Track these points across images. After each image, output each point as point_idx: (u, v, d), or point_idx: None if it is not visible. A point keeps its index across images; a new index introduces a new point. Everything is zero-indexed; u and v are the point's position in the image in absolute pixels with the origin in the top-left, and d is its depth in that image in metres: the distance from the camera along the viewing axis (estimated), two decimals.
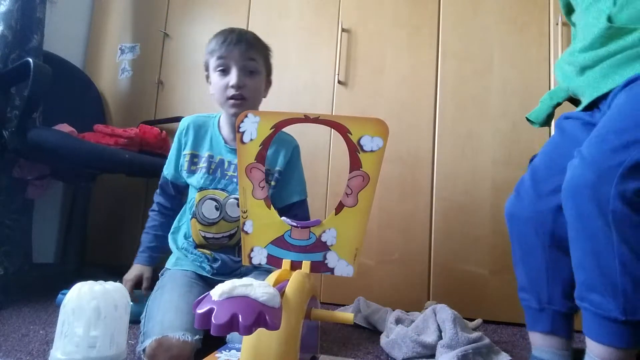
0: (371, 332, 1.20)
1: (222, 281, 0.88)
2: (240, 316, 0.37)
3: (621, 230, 0.60)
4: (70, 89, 1.63)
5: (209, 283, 0.96)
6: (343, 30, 1.61)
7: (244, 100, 0.96)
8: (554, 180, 0.78)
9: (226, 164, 1.00)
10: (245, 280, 0.42)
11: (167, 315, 0.77)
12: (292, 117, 0.59)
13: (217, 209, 0.97)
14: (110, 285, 0.54)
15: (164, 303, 0.82)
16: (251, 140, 0.60)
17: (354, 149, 0.57)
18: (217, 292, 0.40)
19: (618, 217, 0.60)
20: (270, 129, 0.60)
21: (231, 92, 0.94)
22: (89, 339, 0.49)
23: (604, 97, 0.78)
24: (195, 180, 0.99)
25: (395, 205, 1.49)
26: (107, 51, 1.88)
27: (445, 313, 1.09)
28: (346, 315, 0.54)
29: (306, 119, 0.58)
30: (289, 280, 0.50)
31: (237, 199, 0.98)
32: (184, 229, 1.03)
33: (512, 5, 1.50)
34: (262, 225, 0.61)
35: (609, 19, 0.78)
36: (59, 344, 0.50)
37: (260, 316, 0.38)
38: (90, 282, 0.53)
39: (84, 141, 1.32)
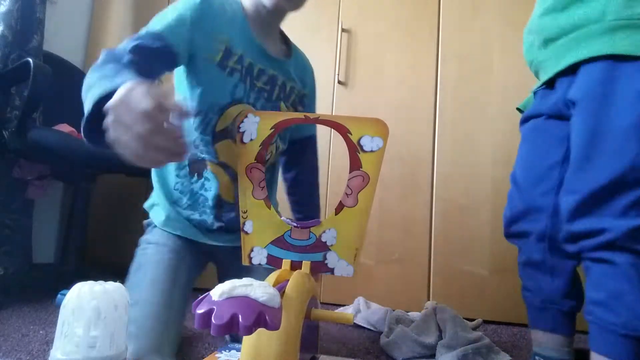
0: (371, 332, 1.20)
1: (221, 247, 0.83)
2: (240, 316, 0.37)
3: None
4: (70, 89, 1.63)
5: (204, 251, 0.84)
6: (343, 30, 1.61)
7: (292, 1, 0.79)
8: (540, 186, 0.79)
9: (256, 71, 0.79)
10: (246, 280, 0.42)
11: (144, 329, 0.66)
12: (292, 117, 0.59)
13: None
14: (110, 285, 0.54)
15: (142, 305, 0.69)
16: (251, 140, 0.60)
17: (354, 149, 0.57)
18: (217, 292, 0.40)
19: None
20: (270, 129, 0.60)
21: None
22: (89, 339, 0.49)
23: (563, 73, 0.74)
24: (231, 85, 0.75)
25: (395, 205, 1.49)
26: None
27: (445, 313, 1.09)
28: (346, 315, 0.54)
29: (306, 119, 0.58)
30: (289, 280, 0.50)
31: None
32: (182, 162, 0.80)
33: (512, 6, 1.50)
34: (262, 226, 0.61)
35: None
36: (59, 344, 0.50)
37: (261, 316, 0.38)
38: (90, 282, 0.53)
39: (84, 141, 1.32)
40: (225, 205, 0.81)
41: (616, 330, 0.61)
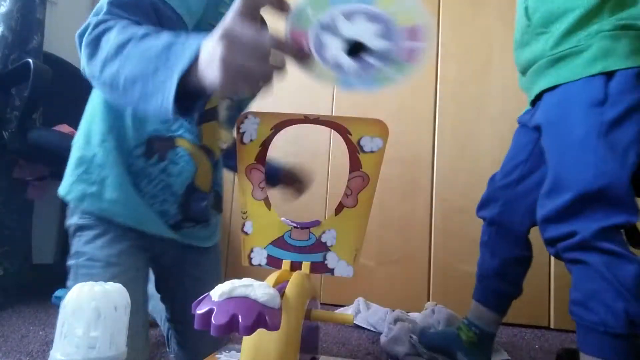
0: (371, 332, 1.20)
1: (172, 248, 0.76)
2: (240, 317, 0.37)
3: None
4: (70, 90, 1.63)
5: (150, 256, 0.72)
6: None
7: None
8: (502, 181, 0.92)
9: None
10: (245, 280, 0.42)
11: None
12: (292, 117, 0.59)
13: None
14: (110, 286, 0.54)
15: None
16: (251, 141, 0.60)
17: (354, 150, 0.57)
18: (217, 292, 0.40)
19: None
20: (270, 129, 0.60)
21: None
22: (88, 340, 0.49)
23: (535, 100, 0.83)
24: None
25: (395, 205, 1.49)
26: None
27: (441, 314, 1.10)
28: (346, 316, 0.54)
29: (306, 119, 0.58)
30: (288, 280, 0.50)
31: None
32: (133, 135, 0.66)
33: (512, 6, 1.50)
34: (261, 226, 0.61)
35: (527, 13, 0.80)
36: (59, 344, 0.50)
37: (260, 317, 0.38)
38: (90, 283, 0.53)
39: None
40: (196, 193, 0.72)
41: (597, 328, 0.64)
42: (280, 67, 0.43)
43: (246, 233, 0.61)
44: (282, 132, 0.61)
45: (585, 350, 0.66)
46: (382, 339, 1.07)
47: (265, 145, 0.60)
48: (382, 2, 0.37)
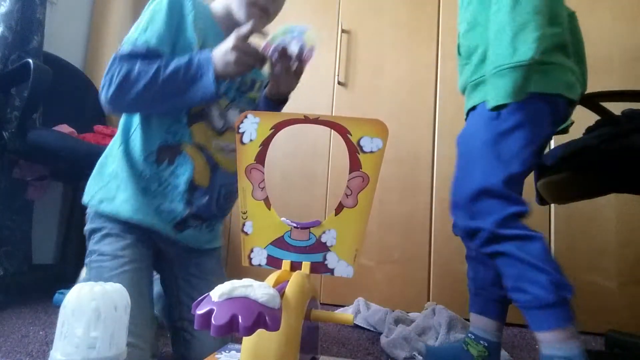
0: (371, 332, 1.20)
1: (177, 251, 0.88)
2: (240, 317, 0.37)
3: None
4: (70, 90, 1.63)
5: (158, 257, 0.84)
6: (343, 31, 1.61)
7: (266, 17, 0.88)
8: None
9: None
10: (245, 281, 0.42)
11: None
12: (292, 117, 0.59)
13: (221, 116, 0.87)
14: (110, 286, 0.54)
15: None
16: (251, 140, 0.60)
17: (354, 150, 0.57)
18: (217, 292, 0.40)
19: None
20: (270, 129, 0.60)
21: (262, 1, 0.85)
22: (88, 340, 0.49)
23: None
24: None
25: (395, 205, 1.49)
26: (107, 51, 1.88)
27: (442, 316, 1.10)
28: (346, 316, 0.54)
29: (306, 119, 0.58)
30: (288, 281, 0.50)
31: (240, 109, 0.90)
32: (144, 148, 0.80)
33: None
34: (262, 226, 0.61)
35: (458, 48, 0.95)
36: (59, 344, 0.50)
37: (260, 317, 0.38)
38: (90, 283, 0.53)
39: (84, 142, 1.32)
40: (197, 189, 0.83)
41: (533, 305, 0.71)
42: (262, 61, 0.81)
43: (246, 233, 0.61)
44: (282, 132, 0.61)
45: (535, 328, 0.72)
46: (382, 339, 1.07)
47: (265, 145, 0.60)
48: (308, 36, 0.77)
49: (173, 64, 0.75)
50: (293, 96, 1.70)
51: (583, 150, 0.87)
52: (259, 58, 0.79)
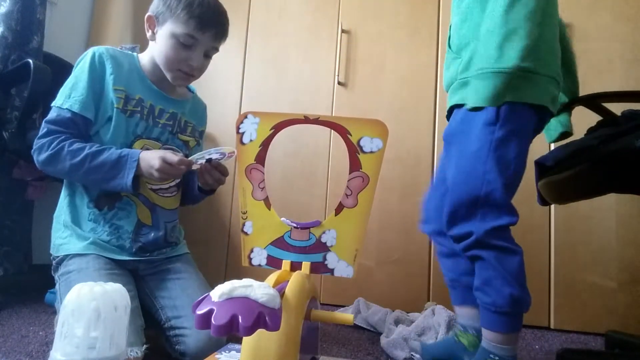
0: (371, 333, 1.20)
1: (143, 263, 0.95)
2: (240, 317, 0.37)
3: None
4: None
5: (128, 268, 0.91)
6: (343, 31, 1.61)
7: (192, 78, 0.96)
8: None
9: (157, 111, 0.96)
10: (245, 281, 0.42)
11: None
12: (292, 118, 0.59)
13: None
14: (110, 286, 0.54)
15: None
16: (251, 141, 0.60)
17: (354, 150, 0.57)
18: (217, 293, 0.40)
19: None
20: (270, 129, 0.60)
21: (186, 68, 0.93)
22: (88, 340, 0.49)
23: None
24: (132, 125, 0.91)
25: (395, 205, 1.49)
26: None
27: (441, 316, 1.10)
28: (346, 316, 0.54)
29: (306, 120, 0.58)
30: (288, 281, 0.50)
31: (171, 149, 0.96)
32: (86, 195, 0.91)
33: None
34: (261, 226, 0.61)
35: (449, 41, 0.94)
36: (59, 345, 0.50)
37: (260, 317, 0.38)
38: (89, 283, 0.53)
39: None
40: (143, 227, 0.94)
41: (490, 308, 0.79)
42: (186, 170, 0.88)
43: (246, 233, 0.61)
44: (282, 132, 0.61)
45: (484, 325, 0.81)
46: (382, 339, 1.07)
47: (265, 145, 0.60)
48: (224, 147, 0.88)
49: (101, 157, 0.84)
50: (293, 96, 1.69)
51: (583, 151, 0.87)
52: (181, 174, 0.91)
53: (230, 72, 1.68)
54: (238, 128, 0.60)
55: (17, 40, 1.36)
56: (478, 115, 0.82)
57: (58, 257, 0.90)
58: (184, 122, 1.02)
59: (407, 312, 1.32)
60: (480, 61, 0.81)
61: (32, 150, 0.87)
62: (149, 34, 0.96)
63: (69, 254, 0.88)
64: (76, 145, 0.85)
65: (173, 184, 0.99)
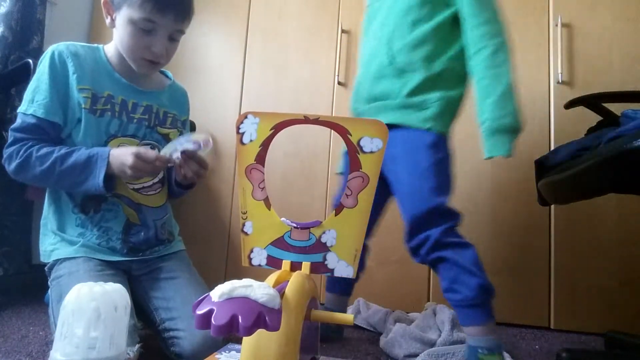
0: (371, 333, 1.20)
1: (136, 263, 0.95)
2: (240, 317, 0.37)
3: None
4: None
5: (120, 268, 0.88)
6: (343, 31, 1.61)
7: (159, 65, 0.90)
8: None
9: (130, 106, 0.90)
10: (245, 281, 0.42)
11: None
12: (292, 118, 0.59)
13: None
14: (110, 286, 0.54)
15: None
16: (251, 141, 0.60)
17: (354, 150, 0.57)
18: (217, 293, 0.40)
19: None
20: (270, 130, 0.60)
21: (149, 56, 0.86)
22: (88, 340, 0.49)
23: None
24: (104, 124, 0.87)
25: (395, 205, 1.49)
26: None
27: (444, 314, 1.09)
28: (346, 316, 0.54)
29: (306, 120, 0.58)
30: (288, 281, 0.50)
31: (150, 144, 0.92)
32: (70, 200, 0.88)
33: (512, 7, 1.50)
34: (261, 226, 0.61)
35: (389, 53, 0.97)
36: (59, 345, 0.50)
37: (260, 317, 0.38)
38: (89, 283, 0.53)
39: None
40: (133, 227, 0.92)
41: (463, 304, 0.85)
42: (161, 168, 0.89)
43: (246, 233, 0.61)
44: (282, 132, 0.61)
45: (463, 323, 0.87)
46: (382, 339, 1.06)
47: (265, 145, 0.60)
48: (195, 136, 0.86)
49: (70, 160, 0.81)
50: (293, 96, 1.69)
51: (583, 151, 0.87)
52: (157, 171, 0.91)
53: (230, 72, 1.68)
54: (238, 128, 0.60)
55: (17, 40, 1.36)
56: (423, 139, 0.92)
57: (49, 263, 0.89)
58: (162, 114, 0.96)
59: (407, 312, 1.32)
60: (495, 117, 0.88)
61: (3, 160, 0.83)
62: (107, 20, 0.88)
63: (59, 259, 0.86)
64: (44, 150, 0.81)
65: (156, 180, 0.95)
